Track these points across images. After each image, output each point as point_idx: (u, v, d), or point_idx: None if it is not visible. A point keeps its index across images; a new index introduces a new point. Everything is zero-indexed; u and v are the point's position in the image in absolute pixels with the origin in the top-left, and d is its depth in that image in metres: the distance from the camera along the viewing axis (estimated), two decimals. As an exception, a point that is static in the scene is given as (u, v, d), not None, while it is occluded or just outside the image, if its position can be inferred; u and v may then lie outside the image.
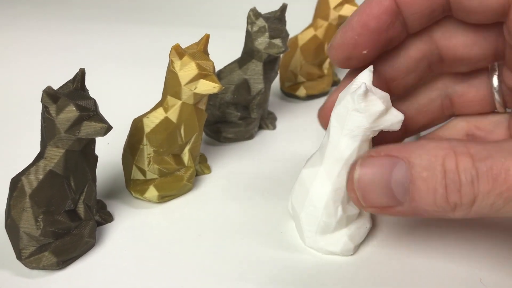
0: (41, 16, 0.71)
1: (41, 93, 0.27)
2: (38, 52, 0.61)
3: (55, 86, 0.28)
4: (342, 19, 0.48)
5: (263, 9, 0.40)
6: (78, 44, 0.63)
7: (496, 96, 0.33)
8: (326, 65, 0.51)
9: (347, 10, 0.47)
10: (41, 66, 0.57)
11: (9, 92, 0.51)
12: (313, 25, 0.49)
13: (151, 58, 0.59)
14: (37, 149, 0.29)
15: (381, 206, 0.26)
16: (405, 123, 0.35)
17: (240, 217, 0.34)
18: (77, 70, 0.28)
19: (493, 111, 0.34)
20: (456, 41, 0.31)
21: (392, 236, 0.32)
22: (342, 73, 0.54)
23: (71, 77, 0.29)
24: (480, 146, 0.24)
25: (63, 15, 0.72)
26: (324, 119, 0.34)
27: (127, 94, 0.51)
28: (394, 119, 0.28)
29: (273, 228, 0.33)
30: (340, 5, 0.47)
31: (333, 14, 0.48)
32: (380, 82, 0.29)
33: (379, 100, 0.27)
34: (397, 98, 0.34)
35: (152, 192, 0.34)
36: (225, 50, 0.45)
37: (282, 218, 0.34)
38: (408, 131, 0.36)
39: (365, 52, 0.30)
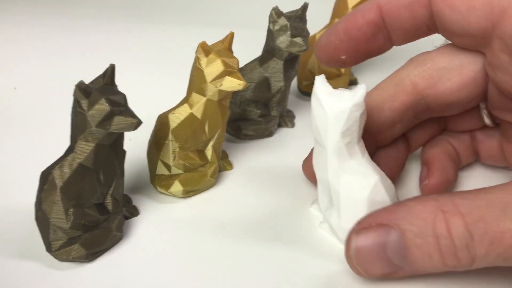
0: (66, 16, 0.72)
1: (66, 89, 0.27)
2: (60, 50, 0.61)
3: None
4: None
5: (284, 8, 0.41)
6: (102, 41, 0.63)
7: (485, 117, 0.34)
8: (343, 64, 0.51)
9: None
10: (66, 64, 0.58)
11: (36, 89, 0.52)
12: (331, 24, 0.49)
13: (173, 56, 0.59)
14: (61, 144, 0.30)
15: (383, 274, 0.26)
16: (408, 141, 0.36)
17: (263, 213, 0.34)
18: (100, 67, 0.29)
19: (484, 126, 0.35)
20: (443, 88, 0.31)
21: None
22: (358, 73, 0.54)
23: (95, 73, 0.29)
24: (469, 203, 0.24)
25: (87, 14, 0.72)
26: (308, 171, 0.34)
27: (148, 91, 0.51)
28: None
29: (297, 224, 0.33)
30: (359, 4, 0.47)
31: (351, 14, 0.48)
32: (365, 134, 0.29)
33: (349, 92, 0.28)
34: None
35: (177, 187, 0.35)
36: (245, 49, 0.45)
37: (304, 213, 0.34)
38: (411, 148, 0.36)
39: (343, 57, 0.31)
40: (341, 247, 0.30)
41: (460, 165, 0.37)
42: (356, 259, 0.26)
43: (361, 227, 0.26)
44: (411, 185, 0.37)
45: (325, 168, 0.30)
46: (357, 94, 0.27)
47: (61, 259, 0.29)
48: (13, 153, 0.41)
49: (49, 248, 0.29)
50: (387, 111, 0.31)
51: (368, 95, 0.31)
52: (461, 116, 0.34)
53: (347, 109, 0.27)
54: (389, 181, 0.30)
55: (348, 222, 0.30)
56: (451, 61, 0.30)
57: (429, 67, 0.31)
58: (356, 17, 0.30)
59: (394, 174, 0.35)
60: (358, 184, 0.29)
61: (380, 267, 0.26)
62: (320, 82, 0.29)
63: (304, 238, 0.32)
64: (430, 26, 0.29)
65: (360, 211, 0.29)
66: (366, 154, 0.30)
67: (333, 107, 0.28)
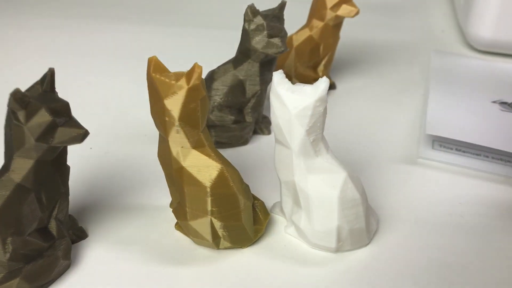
0: (22, 14, 0.65)
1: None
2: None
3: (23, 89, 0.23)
4: (339, 20, 0.43)
5: (260, 7, 0.35)
6: (50, 42, 0.57)
7: None
8: (321, 67, 0.46)
9: (345, 10, 0.42)
10: (8, 67, 0.50)
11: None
12: (308, 25, 0.44)
13: (134, 57, 0.53)
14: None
15: None
16: None
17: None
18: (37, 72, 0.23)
19: None
20: None
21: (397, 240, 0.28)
22: (336, 76, 0.49)
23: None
24: None
25: (47, 13, 0.65)
26: None
27: (107, 94, 0.45)
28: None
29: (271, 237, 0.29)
30: (338, 5, 0.42)
31: (330, 15, 0.43)
32: None
33: (308, 86, 0.25)
34: None
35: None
36: (217, 50, 0.40)
37: (281, 225, 0.30)
38: None
39: None
40: (311, 251, 0.28)
41: None
42: None
43: None
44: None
45: (290, 169, 0.27)
46: (320, 88, 0.25)
47: (-2, 296, 0.24)
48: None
49: (-17, 284, 0.24)
50: None
51: None
52: None
53: (311, 105, 0.25)
54: (356, 176, 0.28)
55: (321, 224, 0.27)
56: None
57: None
58: None
59: None
60: (327, 183, 0.27)
61: None
62: (279, 78, 0.26)
63: (287, 249, 0.29)
64: None
65: (331, 211, 0.27)
66: (330, 150, 0.27)
67: (296, 104, 0.25)
